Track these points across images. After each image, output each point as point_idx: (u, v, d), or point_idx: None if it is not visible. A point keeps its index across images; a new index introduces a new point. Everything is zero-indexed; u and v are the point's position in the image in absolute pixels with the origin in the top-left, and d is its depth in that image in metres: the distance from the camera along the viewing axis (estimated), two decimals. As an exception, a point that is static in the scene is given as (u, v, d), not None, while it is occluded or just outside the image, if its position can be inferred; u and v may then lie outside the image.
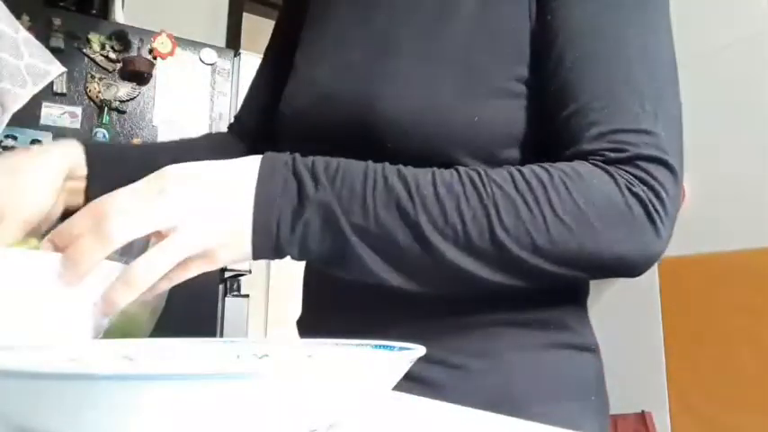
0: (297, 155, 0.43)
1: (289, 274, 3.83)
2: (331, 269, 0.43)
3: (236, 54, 2.52)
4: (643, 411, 1.94)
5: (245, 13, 2.91)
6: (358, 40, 0.55)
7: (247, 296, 2.37)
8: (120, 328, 0.47)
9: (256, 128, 0.72)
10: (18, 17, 2.01)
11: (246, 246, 0.40)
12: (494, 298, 0.48)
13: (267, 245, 0.40)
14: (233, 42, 2.76)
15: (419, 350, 0.29)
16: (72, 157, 0.55)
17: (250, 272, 2.36)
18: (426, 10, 0.51)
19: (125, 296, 0.36)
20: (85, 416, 0.22)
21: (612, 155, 0.42)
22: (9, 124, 1.92)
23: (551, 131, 0.47)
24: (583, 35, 0.46)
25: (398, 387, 0.47)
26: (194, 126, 2.40)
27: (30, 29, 2.02)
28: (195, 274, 0.40)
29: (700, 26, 1.96)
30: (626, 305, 2.03)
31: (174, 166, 0.39)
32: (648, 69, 0.45)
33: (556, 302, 0.52)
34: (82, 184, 0.56)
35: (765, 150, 1.77)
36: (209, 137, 0.78)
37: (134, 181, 0.44)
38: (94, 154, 0.56)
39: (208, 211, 0.38)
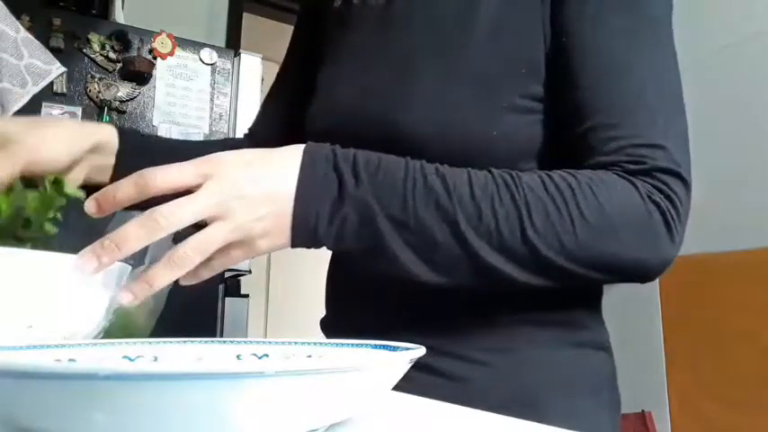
0: (338, 147, 0.45)
1: (289, 275, 3.83)
2: (364, 261, 0.46)
3: (236, 54, 2.52)
4: (643, 411, 1.94)
5: (245, 13, 2.91)
6: (378, 60, 0.57)
7: (247, 296, 2.37)
8: (119, 328, 0.47)
9: (275, 143, 0.72)
10: (18, 17, 2.01)
11: (286, 236, 0.42)
12: (515, 298, 0.51)
13: (305, 236, 0.43)
14: (233, 42, 2.76)
15: (419, 350, 0.29)
16: (103, 132, 0.57)
17: (250, 272, 2.36)
18: (443, 33, 0.53)
19: (168, 276, 0.38)
20: (85, 416, 0.22)
21: (632, 166, 0.45)
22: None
23: (567, 146, 0.49)
24: (597, 57, 0.48)
25: (422, 382, 0.50)
26: (194, 126, 2.40)
27: (30, 29, 2.02)
28: (236, 263, 0.42)
29: (701, 27, 1.96)
30: (626, 305, 2.03)
31: (221, 153, 0.41)
32: (658, 88, 0.48)
33: (573, 302, 0.54)
34: (110, 161, 0.57)
35: (765, 150, 1.77)
36: (226, 142, 0.79)
37: None
38: (128, 135, 0.59)
39: (252, 200, 0.40)
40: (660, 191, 0.45)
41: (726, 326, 1.78)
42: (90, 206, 0.39)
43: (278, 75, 0.76)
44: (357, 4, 0.62)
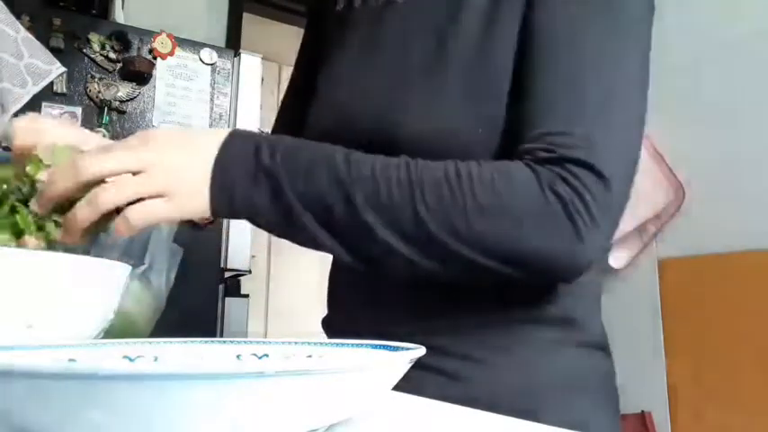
0: (267, 133, 0.49)
1: (289, 275, 3.83)
2: (282, 234, 0.48)
3: (236, 54, 2.52)
4: (643, 411, 1.94)
5: (245, 13, 2.90)
6: (373, 66, 0.58)
7: (247, 296, 2.37)
8: (120, 329, 0.47)
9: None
10: (18, 17, 2.01)
11: (205, 201, 0.45)
12: (515, 297, 0.52)
13: (223, 202, 0.46)
14: (233, 42, 2.76)
15: (419, 350, 0.29)
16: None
17: (250, 272, 2.36)
18: (426, 48, 0.55)
19: (87, 215, 0.42)
20: (85, 416, 0.22)
21: (543, 154, 0.44)
22: (9, 124, 1.90)
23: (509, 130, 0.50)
24: (540, 41, 0.48)
25: (423, 381, 0.50)
26: (194, 126, 2.40)
27: (30, 29, 2.02)
28: (155, 218, 0.44)
29: (702, 27, 1.96)
30: (626, 305, 2.03)
31: (159, 129, 0.45)
32: (599, 75, 0.46)
33: (572, 302, 0.55)
34: None
35: (765, 150, 1.77)
36: None
37: None
38: None
39: (174, 163, 0.45)
40: (565, 181, 0.43)
41: (726, 326, 1.78)
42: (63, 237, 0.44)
43: (290, 81, 0.79)
44: (358, 6, 0.63)
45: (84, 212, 0.42)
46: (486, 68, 0.51)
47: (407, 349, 0.30)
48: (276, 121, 0.79)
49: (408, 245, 0.44)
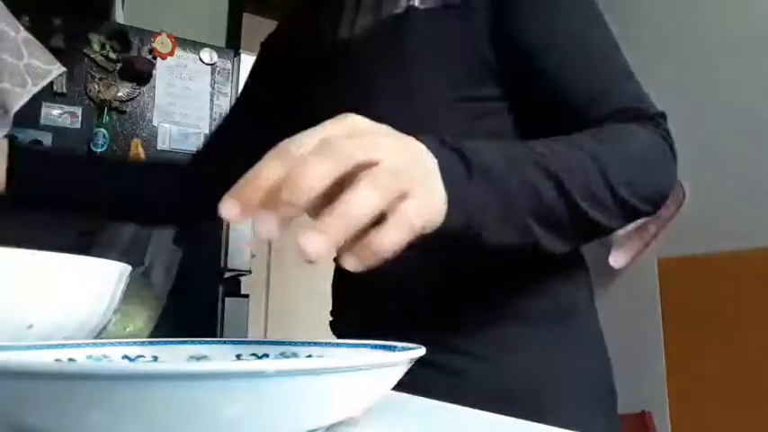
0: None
1: (289, 275, 3.83)
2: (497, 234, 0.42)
3: (236, 54, 2.52)
4: (643, 411, 1.94)
5: (245, 13, 2.90)
6: (350, 91, 0.63)
7: (247, 296, 2.37)
8: (119, 329, 0.47)
9: (216, 171, 0.73)
10: (18, 17, 2.01)
11: (440, 192, 0.35)
12: (516, 295, 0.54)
13: (457, 202, 0.36)
14: (233, 42, 2.76)
15: (419, 350, 0.29)
16: None
17: (250, 272, 2.36)
18: (391, 59, 0.61)
19: (376, 204, 0.29)
20: (85, 416, 0.22)
21: (639, 117, 0.53)
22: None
23: (557, 125, 0.53)
24: (551, 44, 0.56)
25: (424, 377, 0.50)
26: (194, 126, 2.40)
27: (30, 29, 2.01)
28: (425, 221, 0.33)
29: (702, 27, 1.96)
30: (626, 305, 2.03)
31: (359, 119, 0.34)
32: (615, 52, 0.56)
33: (570, 299, 0.57)
34: None
35: (765, 150, 1.77)
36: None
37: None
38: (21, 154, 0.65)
39: (404, 161, 0.33)
40: (664, 130, 0.53)
41: (726, 326, 1.78)
42: (229, 210, 0.30)
43: (242, 104, 0.83)
44: (330, 43, 0.68)
45: (393, 236, 0.30)
46: (439, 78, 0.59)
47: (407, 349, 0.30)
48: (219, 130, 0.84)
49: (607, 215, 0.47)
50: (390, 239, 0.30)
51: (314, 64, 0.70)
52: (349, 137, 0.31)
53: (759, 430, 1.65)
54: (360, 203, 0.28)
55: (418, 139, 0.37)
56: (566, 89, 0.54)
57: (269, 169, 0.29)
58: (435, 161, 0.36)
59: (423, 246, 0.35)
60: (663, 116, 0.54)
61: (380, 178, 0.30)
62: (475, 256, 0.49)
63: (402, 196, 0.31)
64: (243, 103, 0.82)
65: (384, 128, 0.35)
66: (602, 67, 0.55)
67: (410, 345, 0.32)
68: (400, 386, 0.33)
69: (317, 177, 0.28)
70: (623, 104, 0.53)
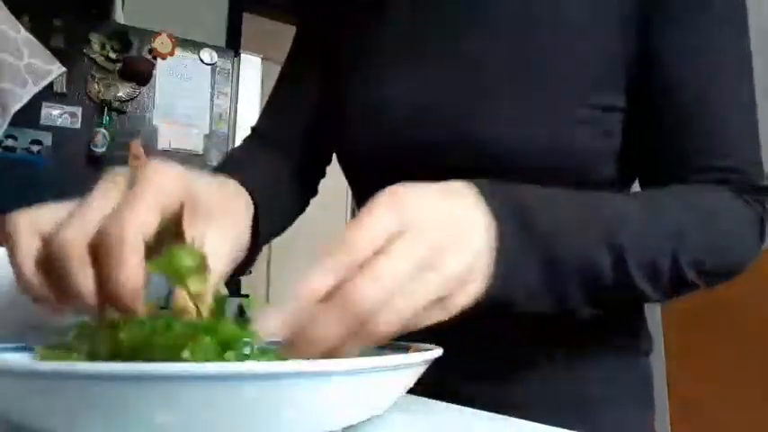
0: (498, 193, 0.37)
1: (289, 275, 3.83)
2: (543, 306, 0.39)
3: (236, 54, 2.52)
4: (643, 411, 1.94)
5: (245, 13, 2.91)
6: (442, 62, 0.51)
7: (247, 296, 2.37)
8: (120, 328, 0.46)
9: (296, 144, 0.65)
10: (18, 17, 2.01)
11: (485, 275, 0.33)
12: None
13: (499, 287, 0.34)
14: (233, 42, 2.76)
15: (436, 351, 0.29)
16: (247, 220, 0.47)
17: (250, 272, 2.36)
18: (521, 40, 0.49)
19: (390, 327, 0.28)
20: (86, 416, 0.22)
21: (739, 183, 0.47)
22: (9, 124, 1.90)
23: (662, 156, 0.48)
24: (685, 64, 0.47)
25: (472, 385, 0.47)
26: (194, 126, 2.40)
27: (30, 29, 2.01)
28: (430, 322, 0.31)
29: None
30: (626, 305, 2.03)
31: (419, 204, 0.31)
32: (749, 90, 0.48)
33: (627, 309, 0.54)
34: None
35: (765, 150, 1.77)
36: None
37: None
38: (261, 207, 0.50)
39: (454, 245, 0.31)
40: (761, 203, 0.47)
41: (726, 326, 1.78)
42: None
43: (287, 74, 0.68)
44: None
45: (384, 327, 0.27)
46: (599, 67, 0.48)
47: (425, 350, 0.29)
48: (270, 122, 0.67)
49: (657, 290, 0.42)
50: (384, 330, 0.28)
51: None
52: (406, 229, 0.29)
53: (759, 430, 1.65)
54: (367, 298, 0.27)
55: (483, 198, 0.35)
56: (679, 120, 0.47)
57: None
58: (492, 230, 0.34)
59: None
60: (766, 189, 0.48)
61: (428, 285, 0.29)
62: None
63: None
64: (302, 61, 0.67)
65: (440, 206, 0.32)
66: (725, 115, 0.47)
67: (427, 345, 0.32)
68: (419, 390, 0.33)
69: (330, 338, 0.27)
70: (727, 166, 0.47)
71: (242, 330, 0.26)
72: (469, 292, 0.32)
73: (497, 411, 0.36)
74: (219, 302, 0.28)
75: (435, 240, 0.30)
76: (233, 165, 0.57)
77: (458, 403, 0.38)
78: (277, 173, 0.60)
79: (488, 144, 0.47)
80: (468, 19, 0.51)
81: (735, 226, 0.46)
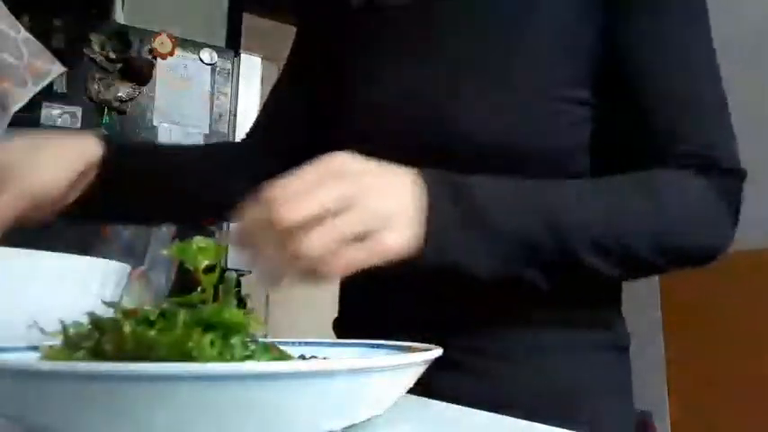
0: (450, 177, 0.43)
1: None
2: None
3: (236, 54, 2.52)
4: (643, 411, 1.94)
5: (245, 13, 2.90)
6: (425, 62, 0.55)
7: (248, 296, 2.37)
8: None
9: (291, 143, 0.69)
10: (18, 17, 2.01)
11: (408, 243, 0.38)
12: (546, 301, 0.51)
13: (434, 246, 0.40)
14: (233, 42, 2.76)
15: (436, 351, 0.29)
16: (91, 149, 0.55)
17: (250, 272, 2.36)
18: (494, 38, 0.52)
19: (290, 267, 0.37)
20: (86, 416, 0.22)
21: (700, 165, 0.48)
22: (9, 124, 1.90)
23: (623, 145, 0.51)
24: (651, 56, 0.50)
25: (451, 382, 0.48)
26: (194, 126, 2.40)
27: (30, 29, 2.01)
28: (359, 266, 0.37)
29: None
30: (626, 305, 2.03)
31: (348, 159, 0.38)
32: (715, 81, 0.50)
33: (601, 304, 0.56)
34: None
35: (764, 150, 1.77)
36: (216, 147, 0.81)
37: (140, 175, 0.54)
38: (110, 141, 0.57)
39: (378, 205, 0.37)
40: (729, 186, 0.50)
41: (726, 326, 1.78)
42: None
43: (283, 75, 0.72)
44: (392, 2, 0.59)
45: (288, 265, 0.36)
46: (570, 61, 0.50)
47: (424, 350, 0.30)
48: (265, 124, 0.73)
49: (612, 266, 0.45)
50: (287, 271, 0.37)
51: (357, 21, 0.61)
52: (337, 176, 0.36)
53: (759, 430, 1.65)
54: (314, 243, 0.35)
55: (421, 178, 0.40)
56: (646, 109, 0.50)
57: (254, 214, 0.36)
58: (427, 203, 0.40)
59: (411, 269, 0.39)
60: (734, 172, 0.50)
61: (350, 218, 0.35)
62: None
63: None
64: (288, 73, 0.73)
65: (375, 167, 0.39)
66: (691, 101, 0.49)
67: (427, 345, 0.32)
68: (423, 390, 0.34)
69: (300, 215, 0.34)
70: (691, 150, 0.48)
71: (245, 316, 0.28)
72: (394, 238, 0.37)
73: (471, 407, 0.37)
74: (228, 284, 0.31)
75: (363, 185, 0.36)
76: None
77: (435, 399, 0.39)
78: (233, 161, 0.69)
79: (465, 143, 0.50)
80: (453, 20, 0.55)
81: (696, 209, 0.47)
